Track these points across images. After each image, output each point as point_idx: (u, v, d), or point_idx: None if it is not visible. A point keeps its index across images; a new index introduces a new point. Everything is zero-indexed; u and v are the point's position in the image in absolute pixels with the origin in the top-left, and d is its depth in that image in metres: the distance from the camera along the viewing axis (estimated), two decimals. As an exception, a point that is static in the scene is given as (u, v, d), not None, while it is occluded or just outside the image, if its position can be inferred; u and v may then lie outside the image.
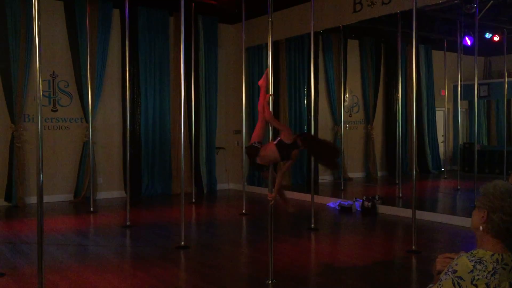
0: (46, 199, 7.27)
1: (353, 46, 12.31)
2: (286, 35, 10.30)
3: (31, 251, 5.60)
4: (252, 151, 4.56)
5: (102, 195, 9.75)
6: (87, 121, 9.24)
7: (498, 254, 1.96)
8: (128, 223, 7.06)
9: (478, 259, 1.94)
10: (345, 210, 8.32)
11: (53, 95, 9.41)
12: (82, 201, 9.26)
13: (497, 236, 1.99)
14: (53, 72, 9.37)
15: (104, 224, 7.49)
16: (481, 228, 2.02)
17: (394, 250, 6.06)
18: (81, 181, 9.47)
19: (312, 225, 6.94)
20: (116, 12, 9.87)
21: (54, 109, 9.41)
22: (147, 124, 10.21)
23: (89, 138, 8.95)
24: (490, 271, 1.92)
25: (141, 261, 5.35)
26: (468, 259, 1.95)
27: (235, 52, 11.27)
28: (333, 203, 8.75)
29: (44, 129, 9.00)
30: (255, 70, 11.17)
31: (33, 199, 8.63)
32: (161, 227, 7.15)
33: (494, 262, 1.94)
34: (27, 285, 4.46)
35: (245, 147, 4.87)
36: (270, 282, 4.52)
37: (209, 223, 7.92)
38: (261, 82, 4.76)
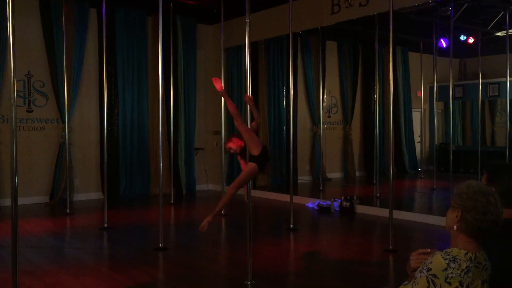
0: (21, 201, 7.15)
1: (331, 47, 12.42)
2: (265, 36, 10.32)
3: (5, 254, 5.48)
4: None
5: (79, 196, 9.61)
6: (63, 122, 9.09)
7: (472, 253, 2.00)
8: (105, 225, 6.98)
9: (452, 258, 1.98)
10: (323, 210, 8.37)
11: (28, 95, 9.24)
12: (58, 203, 9.12)
13: (471, 235, 2.03)
14: (28, 72, 9.20)
15: (81, 226, 7.37)
16: (455, 227, 2.06)
17: (372, 249, 6.13)
18: (57, 183, 9.31)
19: (291, 225, 6.97)
20: (93, 11, 9.73)
21: (29, 109, 9.24)
22: (125, 125, 10.08)
23: (65, 139, 8.81)
24: (464, 270, 1.95)
25: (118, 263, 5.29)
26: (442, 257, 1.99)
27: (214, 53, 11.23)
28: (312, 203, 8.81)
29: (19, 130, 8.84)
30: (234, 71, 11.16)
31: (7, 201, 8.46)
32: (139, 229, 7.09)
33: (467, 260, 1.97)
34: (1, 289, 4.38)
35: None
36: (249, 283, 4.52)
37: (188, 224, 7.88)
38: (220, 87, 4.95)
